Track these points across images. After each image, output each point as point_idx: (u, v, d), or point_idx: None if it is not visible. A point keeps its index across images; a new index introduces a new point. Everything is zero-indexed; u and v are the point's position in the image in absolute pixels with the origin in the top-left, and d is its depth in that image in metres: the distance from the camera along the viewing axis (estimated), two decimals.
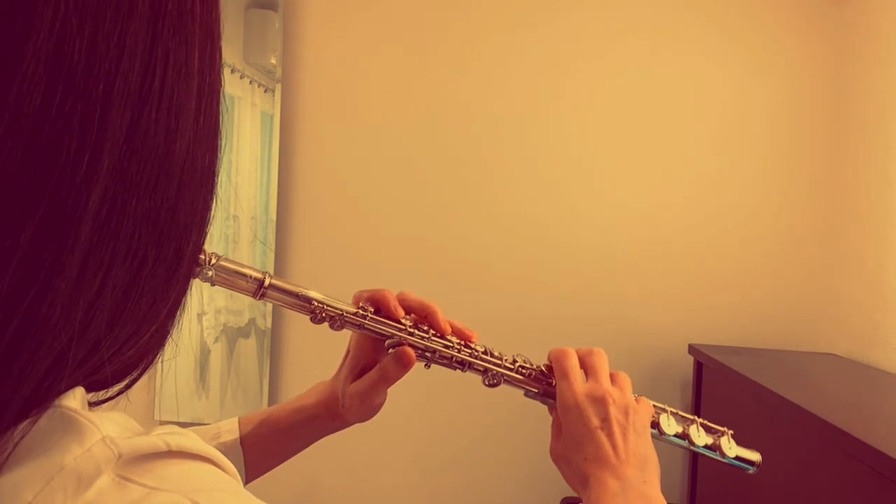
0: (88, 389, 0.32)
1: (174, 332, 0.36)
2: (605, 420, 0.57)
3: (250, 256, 1.78)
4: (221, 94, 0.35)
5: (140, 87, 0.29)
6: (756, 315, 1.73)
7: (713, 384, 1.48)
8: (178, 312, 0.36)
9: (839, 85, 1.71)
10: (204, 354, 1.78)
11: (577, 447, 0.58)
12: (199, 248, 0.35)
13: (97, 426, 0.28)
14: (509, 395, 1.70)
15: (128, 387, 0.35)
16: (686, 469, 1.65)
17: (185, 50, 0.31)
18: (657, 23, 1.75)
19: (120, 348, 0.32)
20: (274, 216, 1.76)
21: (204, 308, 1.77)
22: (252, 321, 1.79)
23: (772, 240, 1.74)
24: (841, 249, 1.67)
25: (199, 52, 0.32)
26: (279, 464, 0.69)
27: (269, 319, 1.79)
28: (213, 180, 0.35)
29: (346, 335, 0.67)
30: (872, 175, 1.56)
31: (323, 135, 1.80)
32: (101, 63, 0.28)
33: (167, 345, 0.36)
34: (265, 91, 1.77)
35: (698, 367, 1.55)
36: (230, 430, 0.67)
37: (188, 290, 0.36)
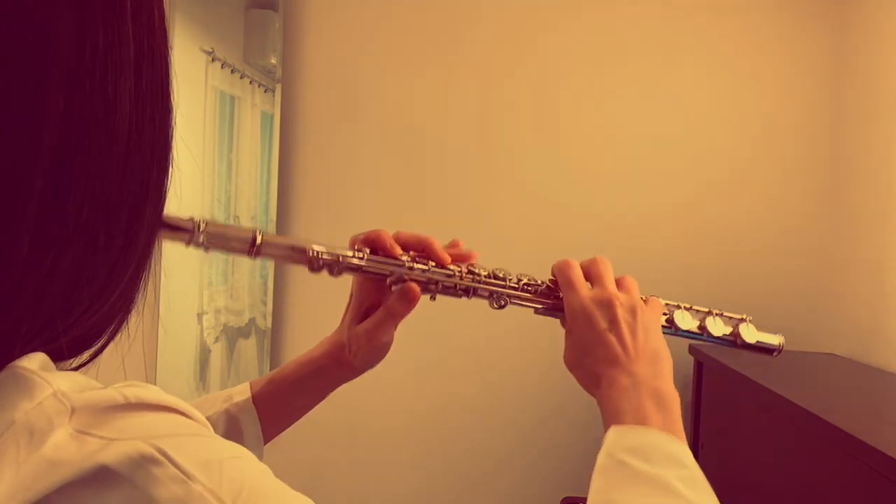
0: (54, 358, 0.31)
1: (140, 298, 0.36)
2: (613, 321, 0.58)
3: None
4: (168, 56, 0.34)
5: (72, 63, 0.29)
6: (756, 315, 1.73)
7: (713, 384, 1.48)
8: (142, 278, 0.35)
9: (839, 85, 1.71)
10: (204, 354, 1.77)
11: (588, 351, 0.58)
12: (158, 213, 0.35)
13: (49, 382, 0.28)
14: (509, 395, 1.71)
15: (98, 353, 0.35)
16: None
17: (116, 17, 0.31)
18: (657, 26, 1.75)
19: (78, 318, 0.32)
20: (274, 216, 1.76)
21: (204, 308, 1.77)
22: (252, 321, 1.79)
23: (772, 240, 1.74)
24: (841, 249, 1.67)
25: (132, 18, 0.32)
26: (294, 420, 0.68)
27: (269, 319, 1.79)
28: (168, 144, 0.35)
29: None
30: (872, 175, 1.56)
31: (323, 135, 1.80)
32: (31, 44, 0.28)
33: (133, 310, 0.35)
34: (265, 91, 1.77)
35: (698, 367, 1.55)
36: (241, 391, 0.67)
37: (150, 256, 0.36)
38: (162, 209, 0.36)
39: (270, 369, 1.76)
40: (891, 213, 1.48)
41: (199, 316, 1.77)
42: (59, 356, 0.32)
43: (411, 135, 1.79)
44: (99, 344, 0.35)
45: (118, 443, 0.27)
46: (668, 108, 1.75)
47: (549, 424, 1.73)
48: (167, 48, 0.35)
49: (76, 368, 0.34)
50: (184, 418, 0.31)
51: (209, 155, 1.75)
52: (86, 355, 0.34)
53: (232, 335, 1.79)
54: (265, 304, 1.79)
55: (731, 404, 1.35)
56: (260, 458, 0.65)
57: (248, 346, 1.79)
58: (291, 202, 1.79)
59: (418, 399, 1.76)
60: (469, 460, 1.78)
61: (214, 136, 1.75)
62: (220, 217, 1.76)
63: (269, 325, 1.79)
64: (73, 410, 0.28)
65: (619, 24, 1.75)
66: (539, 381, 1.71)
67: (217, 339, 1.78)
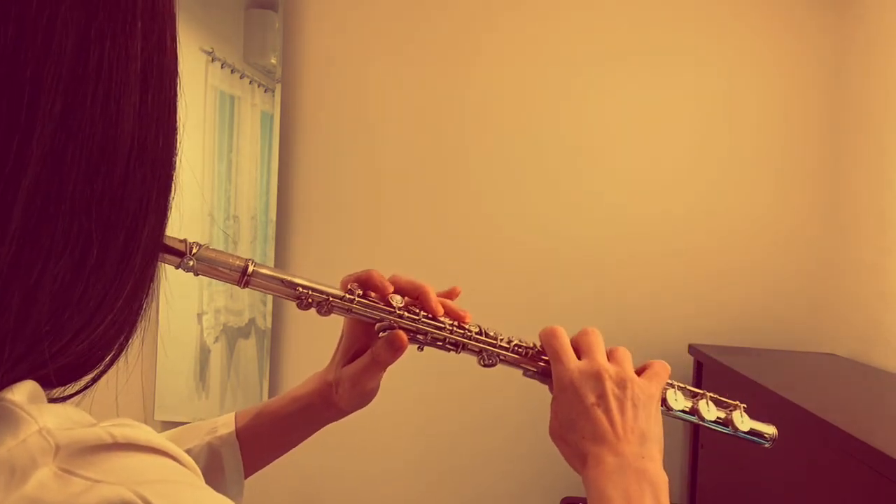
0: (45, 386, 0.30)
1: (142, 324, 0.34)
2: (601, 396, 0.56)
3: (250, 256, 1.78)
4: (177, 76, 0.34)
5: (73, 72, 0.28)
6: (756, 315, 1.73)
7: (713, 384, 1.48)
8: (143, 302, 0.34)
9: (839, 86, 1.71)
10: (204, 354, 1.77)
11: (574, 426, 0.56)
12: (158, 234, 0.34)
13: (35, 418, 0.27)
14: (508, 395, 1.71)
15: (94, 380, 0.34)
16: (686, 469, 1.64)
17: (125, 32, 0.30)
18: (658, 25, 1.74)
19: (69, 342, 0.30)
20: (274, 216, 1.76)
21: (204, 308, 1.77)
22: (252, 321, 1.79)
23: (772, 240, 1.74)
24: (841, 249, 1.67)
25: (142, 33, 0.31)
26: (277, 456, 0.67)
27: (269, 319, 1.79)
28: (171, 163, 0.34)
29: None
30: (872, 175, 1.56)
31: (323, 135, 1.80)
32: (29, 47, 0.27)
33: (135, 337, 0.34)
34: (265, 91, 1.77)
35: (698, 367, 1.55)
36: (226, 423, 0.66)
37: (152, 279, 0.34)
38: (162, 231, 0.34)
39: (270, 369, 1.77)
40: (890, 213, 1.48)
41: (199, 316, 1.77)
42: (49, 384, 0.31)
43: (411, 134, 1.79)
44: (94, 373, 0.33)
45: (102, 486, 0.26)
46: (668, 110, 1.75)
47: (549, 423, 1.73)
48: (177, 68, 0.34)
49: (69, 396, 0.33)
50: (173, 462, 0.30)
51: (209, 155, 1.75)
52: (80, 383, 0.33)
53: (232, 335, 1.79)
54: (265, 304, 1.79)
55: None
56: (240, 492, 0.63)
57: (248, 346, 1.79)
58: (291, 202, 1.79)
59: (417, 399, 1.76)
60: (469, 460, 1.78)
61: (214, 136, 1.75)
62: (219, 217, 1.76)
63: (269, 325, 1.79)
64: (57, 448, 0.27)
65: (621, 24, 1.75)
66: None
67: (217, 339, 1.78)
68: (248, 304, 1.78)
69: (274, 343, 1.79)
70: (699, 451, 1.52)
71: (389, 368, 0.64)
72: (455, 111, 1.78)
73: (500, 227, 1.77)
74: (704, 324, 1.73)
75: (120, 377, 0.34)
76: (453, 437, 1.78)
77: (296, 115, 1.79)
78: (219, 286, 1.69)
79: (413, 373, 1.73)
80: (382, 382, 0.66)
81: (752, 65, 1.74)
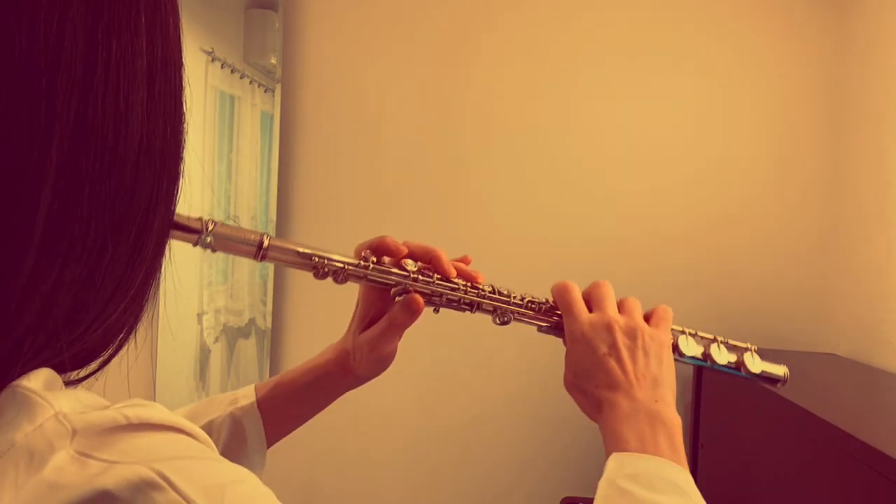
0: (59, 370, 0.31)
1: (148, 307, 0.35)
2: (613, 346, 0.57)
3: None
4: (181, 66, 0.34)
5: (84, 76, 0.28)
6: (756, 315, 1.73)
7: (713, 384, 1.48)
8: (150, 288, 0.35)
9: (839, 86, 1.71)
10: (204, 354, 1.77)
11: (588, 376, 0.57)
12: (167, 224, 0.34)
13: (50, 403, 0.28)
14: (509, 394, 1.71)
15: (104, 363, 0.34)
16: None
17: (130, 29, 0.30)
18: (657, 25, 1.74)
19: (84, 331, 0.31)
20: (274, 216, 1.76)
21: (204, 308, 1.77)
22: (252, 321, 1.79)
23: (772, 240, 1.74)
24: (841, 249, 1.67)
25: (146, 28, 0.31)
26: (298, 425, 0.68)
27: (269, 319, 1.79)
28: (179, 155, 0.34)
29: (348, 320, 0.66)
30: (872, 175, 1.56)
31: (323, 135, 1.80)
32: (41, 57, 0.27)
33: (142, 319, 0.35)
34: (265, 91, 1.77)
35: (698, 366, 1.55)
36: (246, 394, 0.67)
37: (159, 267, 0.35)
38: (171, 221, 0.35)
39: (270, 369, 1.77)
40: (891, 213, 1.48)
41: (199, 316, 1.77)
42: (64, 369, 0.32)
43: (411, 135, 1.79)
44: (106, 355, 0.34)
45: (120, 466, 0.27)
46: (668, 110, 1.75)
47: (549, 424, 1.73)
48: (181, 59, 0.34)
49: (82, 379, 0.34)
50: (188, 438, 0.30)
51: (209, 155, 1.75)
52: (93, 366, 0.34)
53: (232, 335, 1.79)
54: (265, 304, 1.79)
55: (731, 404, 1.35)
56: (262, 462, 0.65)
57: (248, 346, 1.79)
58: (291, 202, 1.79)
59: (417, 398, 1.76)
60: (469, 460, 1.78)
61: (214, 136, 1.75)
62: (219, 217, 1.76)
63: (269, 325, 1.79)
64: (74, 432, 0.27)
65: (622, 24, 1.75)
66: (539, 380, 1.71)
67: (217, 339, 1.78)
68: (248, 304, 1.78)
69: (274, 343, 1.79)
70: (699, 451, 1.52)
71: (393, 363, 0.64)
72: (455, 111, 1.78)
73: (501, 226, 1.77)
74: (704, 324, 1.73)
75: (120, 377, 0.35)
76: (453, 436, 1.78)
77: (296, 115, 1.79)
78: (218, 286, 1.69)
79: (413, 371, 1.73)
80: (384, 379, 0.66)
81: (750, 65, 1.74)
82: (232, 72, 1.75)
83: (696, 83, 1.74)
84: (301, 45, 1.79)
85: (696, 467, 1.56)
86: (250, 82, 1.77)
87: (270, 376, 1.77)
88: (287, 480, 1.75)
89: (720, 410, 1.41)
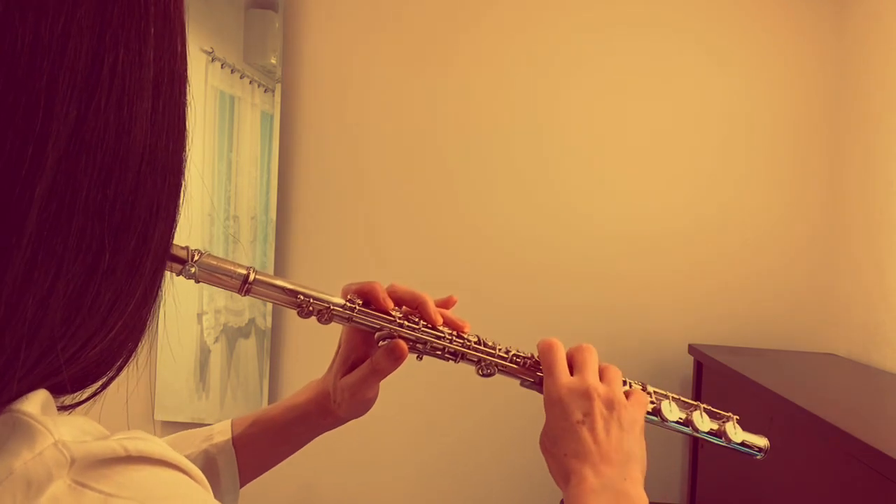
0: (55, 392, 0.30)
1: (150, 328, 0.35)
2: (588, 414, 0.56)
3: (250, 256, 1.78)
4: (186, 81, 0.34)
5: (87, 79, 0.28)
6: (756, 315, 1.73)
7: (713, 384, 1.48)
8: (151, 307, 0.34)
9: (840, 87, 1.71)
10: (204, 354, 1.78)
11: (559, 441, 0.56)
12: (167, 239, 0.34)
13: (50, 430, 0.27)
14: (507, 395, 1.71)
15: (104, 386, 0.34)
16: (686, 469, 1.64)
17: (138, 39, 0.30)
18: (660, 25, 1.74)
19: (81, 348, 0.31)
20: (274, 216, 1.76)
21: (204, 308, 1.77)
22: (252, 321, 1.79)
23: (772, 240, 1.74)
24: (841, 250, 1.67)
25: (155, 40, 0.31)
26: (273, 465, 0.67)
27: (269, 319, 1.79)
28: (180, 169, 0.34)
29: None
30: (872, 175, 1.56)
31: (323, 135, 1.80)
32: (44, 54, 0.27)
33: (144, 342, 0.34)
34: (265, 91, 1.77)
35: (698, 367, 1.55)
36: (222, 430, 0.65)
37: (160, 284, 0.35)
38: (171, 236, 0.35)
39: (270, 369, 1.77)
40: (891, 213, 1.48)
41: (199, 316, 1.77)
42: (62, 391, 0.31)
43: (411, 135, 1.79)
44: (105, 378, 0.34)
45: (115, 500, 0.27)
46: (668, 111, 1.75)
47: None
48: (186, 73, 0.34)
49: (79, 403, 0.33)
50: (184, 477, 0.30)
51: (209, 155, 1.75)
52: (91, 389, 0.33)
53: (232, 335, 1.79)
54: (265, 304, 1.79)
55: (731, 404, 1.34)
56: (235, 501, 0.63)
57: (248, 346, 1.79)
58: (291, 202, 1.79)
59: (417, 403, 1.76)
60: (468, 460, 1.78)
61: (214, 136, 1.75)
62: (219, 217, 1.76)
63: (269, 325, 1.79)
64: (72, 461, 0.27)
65: (623, 24, 1.75)
66: None
67: (217, 339, 1.78)
68: (249, 304, 1.78)
69: (274, 343, 1.80)
70: (699, 451, 1.52)
71: (390, 375, 0.63)
72: (455, 110, 1.78)
73: (502, 226, 1.77)
74: (704, 324, 1.73)
75: (130, 381, 0.35)
76: (453, 441, 1.78)
77: (296, 115, 1.79)
78: None
79: (413, 378, 1.73)
80: (383, 388, 0.66)
81: (751, 67, 1.74)
82: (232, 72, 1.75)
83: (696, 85, 1.74)
84: (301, 45, 1.79)
85: (696, 467, 1.56)
86: (250, 82, 1.77)
87: (270, 376, 1.78)
88: (287, 480, 1.75)
89: (720, 410, 1.41)
